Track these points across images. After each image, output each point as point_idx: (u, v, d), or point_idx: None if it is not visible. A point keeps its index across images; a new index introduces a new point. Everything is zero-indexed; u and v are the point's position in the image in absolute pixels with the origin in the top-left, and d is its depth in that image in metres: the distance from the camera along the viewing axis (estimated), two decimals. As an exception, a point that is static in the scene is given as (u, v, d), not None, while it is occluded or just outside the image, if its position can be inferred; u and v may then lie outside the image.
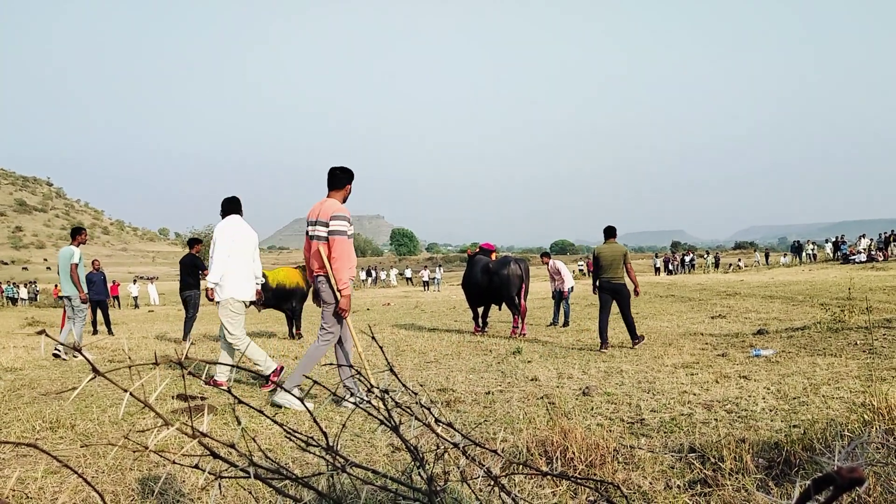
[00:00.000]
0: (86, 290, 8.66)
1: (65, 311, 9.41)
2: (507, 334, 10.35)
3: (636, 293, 8.43)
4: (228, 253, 5.65)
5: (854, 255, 33.29)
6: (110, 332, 13.30)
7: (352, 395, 4.62)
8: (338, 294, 4.66)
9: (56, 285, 8.88)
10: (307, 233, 4.93)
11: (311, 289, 5.24)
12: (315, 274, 4.81)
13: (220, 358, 5.94)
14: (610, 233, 8.43)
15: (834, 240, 39.93)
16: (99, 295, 13.65)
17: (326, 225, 4.67)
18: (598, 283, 8.32)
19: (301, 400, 1.20)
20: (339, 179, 4.87)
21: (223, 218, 5.95)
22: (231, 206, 6.04)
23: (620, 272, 8.14)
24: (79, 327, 8.61)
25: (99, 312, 13.83)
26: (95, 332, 13.43)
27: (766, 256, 47.20)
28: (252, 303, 5.91)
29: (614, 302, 8.20)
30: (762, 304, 13.93)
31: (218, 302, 5.70)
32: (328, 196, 4.87)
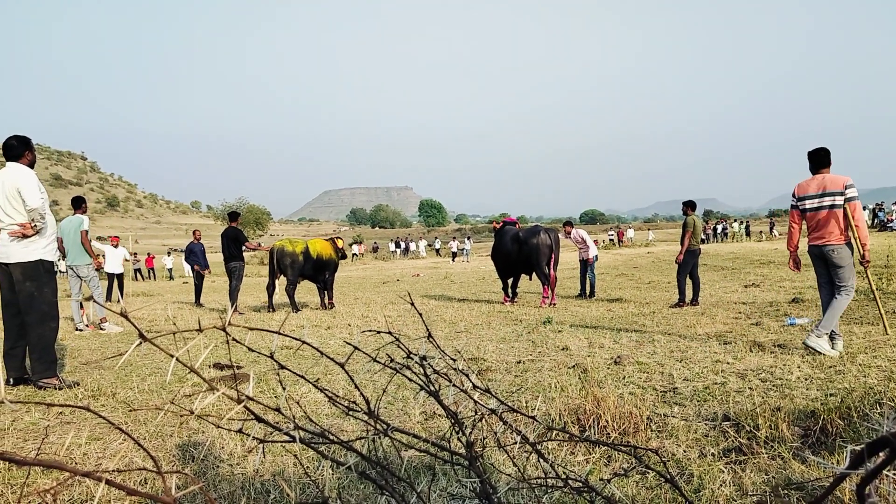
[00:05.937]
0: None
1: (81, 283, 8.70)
2: (536, 304, 10.35)
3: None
4: None
5: (892, 222, 32.46)
6: (198, 302, 13.18)
7: (832, 339, 5.20)
8: (861, 249, 5.28)
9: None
10: (799, 207, 5.51)
11: (790, 258, 5.93)
12: (827, 242, 5.31)
13: None
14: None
15: (872, 207, 38.92)
16: (198, 262, 13.95)
17: (842, 194, 5.22)
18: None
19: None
20: (826, 157, 5.42)
21: None
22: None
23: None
24: (98, 295, 8.42)
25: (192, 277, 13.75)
26: (198, 302, 13.29)
27: (747, 228, 46.46)
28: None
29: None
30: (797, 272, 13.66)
31: None
32: (820, 172, 5.42)
